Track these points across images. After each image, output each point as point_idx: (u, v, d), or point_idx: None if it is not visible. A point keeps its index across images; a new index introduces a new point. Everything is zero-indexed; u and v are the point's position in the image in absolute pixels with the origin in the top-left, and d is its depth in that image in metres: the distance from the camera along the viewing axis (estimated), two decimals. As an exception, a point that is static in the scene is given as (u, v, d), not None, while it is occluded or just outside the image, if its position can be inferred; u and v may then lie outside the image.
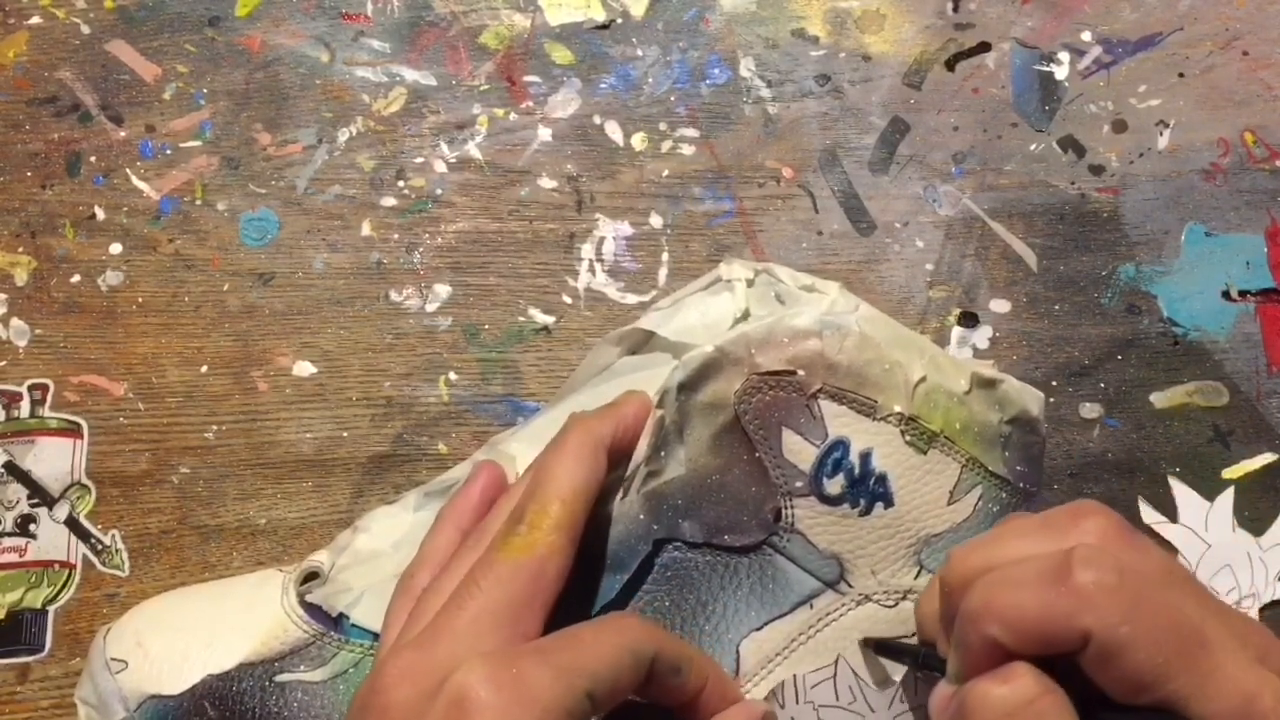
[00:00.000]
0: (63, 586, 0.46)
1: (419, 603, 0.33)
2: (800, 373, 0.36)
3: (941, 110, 0.52)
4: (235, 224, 0.50)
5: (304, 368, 0.49)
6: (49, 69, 0.51)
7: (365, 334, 0.49)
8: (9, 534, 0.47)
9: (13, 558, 0.46)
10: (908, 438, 0.36)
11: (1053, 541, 0.31)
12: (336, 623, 0.39)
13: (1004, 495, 0.38)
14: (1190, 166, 0.52)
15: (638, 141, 0.52)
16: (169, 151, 0.51)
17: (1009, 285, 0.50)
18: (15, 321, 0.49)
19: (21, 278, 0.49)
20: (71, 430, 0.48)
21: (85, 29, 0.52)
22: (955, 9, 0.53)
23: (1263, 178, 0.52)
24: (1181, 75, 0.53)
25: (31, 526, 0.47)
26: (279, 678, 0.38)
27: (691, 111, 0.52)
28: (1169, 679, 0.28)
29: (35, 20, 0.52)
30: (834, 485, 0.36)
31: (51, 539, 0.47)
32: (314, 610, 0.39)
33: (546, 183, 0.51)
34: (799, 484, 0.36)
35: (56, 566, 0.47)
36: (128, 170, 0.50)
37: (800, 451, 0.36)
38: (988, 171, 0.52)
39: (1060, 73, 0.53)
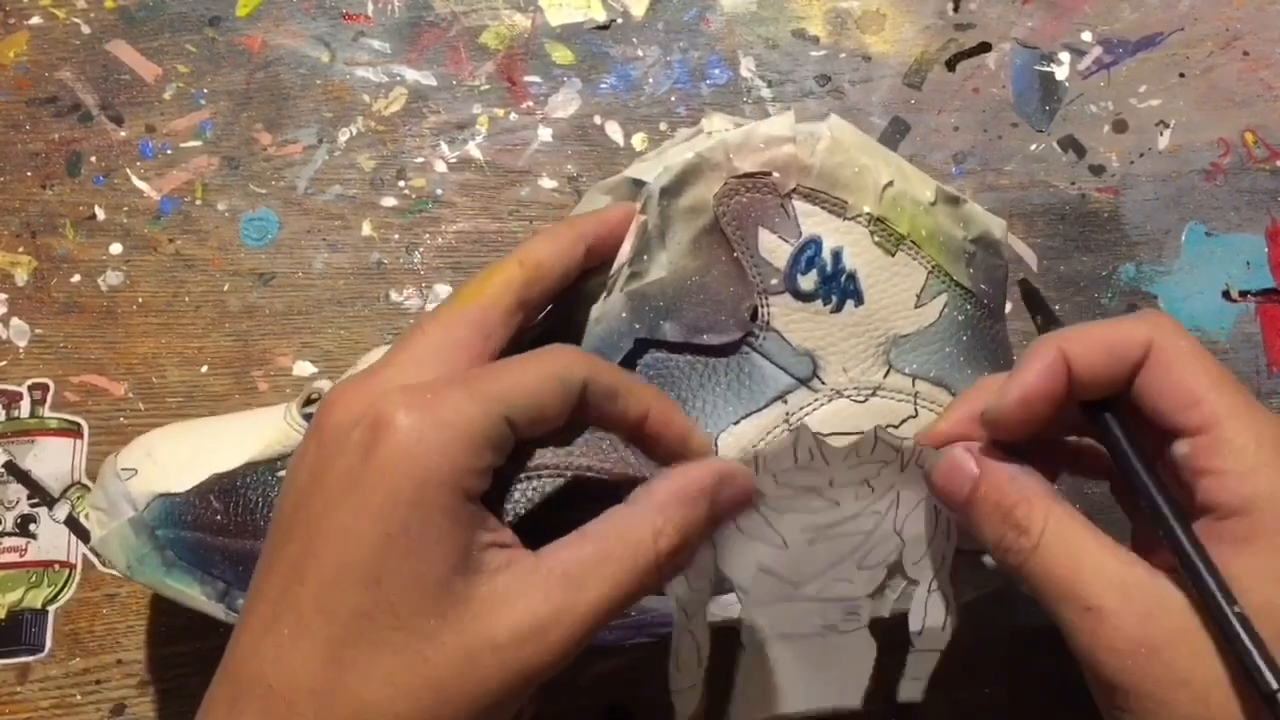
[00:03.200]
0: (63, 586, 0.46)
1: None
2: (775, 174, 0.37)
3: (942, 110, 0.52)
4: (235, 224, 0.50)
5: (304, 368, 0.49)
6: (49, 69, 0.51)
7: (365, 334, 0.49)
8: (9, 534, 0.47)
9: (13, 558, 0.46)
10: (876, 238, 0.38)
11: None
12: None
13: (969, 307, 0.39)
14: (1190, 166, 0.52)
15: (638, 142, 0.52)
16: (169, 151, 0.51)
17: (1009, 285, 0.50)
18: (15, 321, 0.49)
19: (21, 278, 0.49)
20: (71, 430, 0.48)
21: (85, 29, 0.52)
22: (955, 9, 0.53)
23: (1263, 178, 0.52)
24: (1181, 75, 0.53)
25: (31, 526, 0.47)
26: (280, 473, 0.39)
27: (692, 112, 0.52)
28: (1214, 398, 0.30)
29: (35, 20, 0.52)
30: (807, 281, 0.37)
31: (51, 539, 0.47)
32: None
33: (547, 183, 0.51)
34: (774, 281, 0.37)
35: (56, 566, 0.46)
36: (128, 170, 0.50)
37: (775, 250, 0.37)
38: (988, 171, 0.52)
39: (1060, 73, 0.53)
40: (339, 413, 0.30)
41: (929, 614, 0.38)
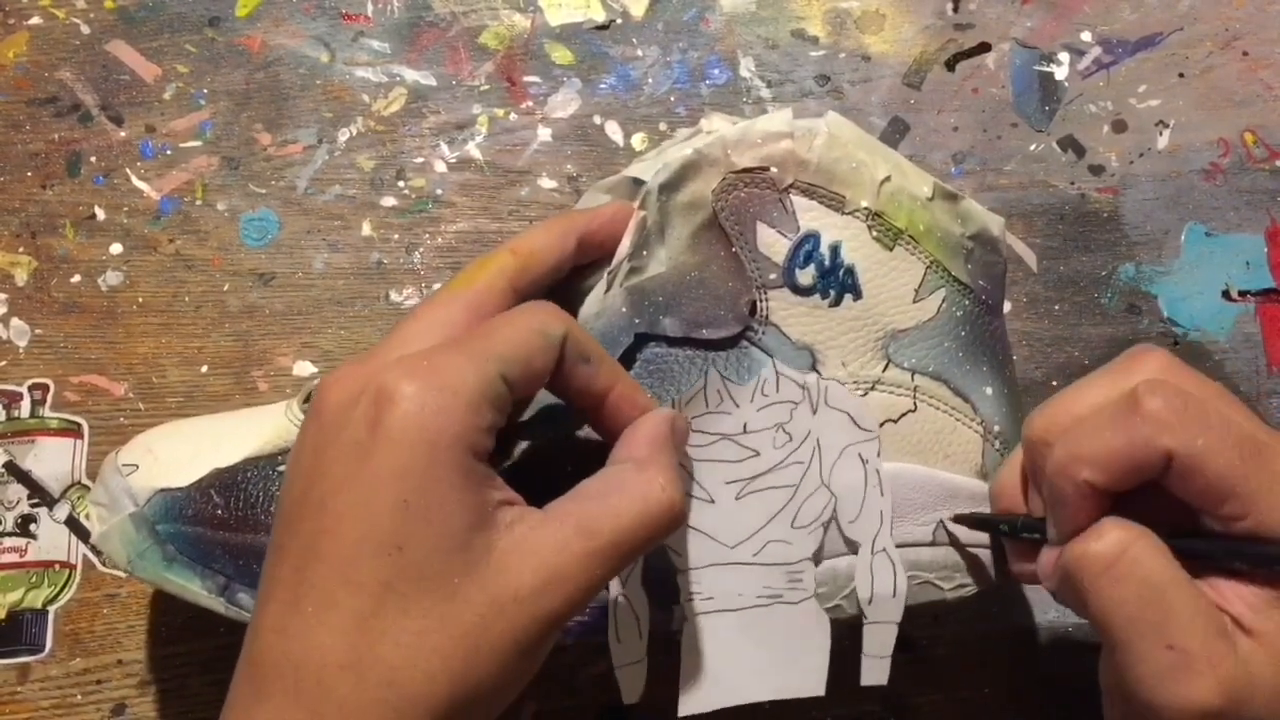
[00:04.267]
0: (63, 586, 0.46)
1: None
2: (773, 170, 0.38)
3: (941, 110, 0.52)
4: (235, 224, 0.50)
5: (304, 368, 0.49)
6: (49, 69, 0.51)
7: (365, 334, 0.49)
8: (9, 534, 0.47)
9: (13, 558, 0.46)
10: (874, 233, 0.38)
11: (1117, 386, 0.34)
12: None
13: (967, 302, 0.39)
14: (1190, 166, 0.52)
15: (638, 142, 0.52)
16: (169, 151, 0.51)
17: (1009, 285, 0.50)
18: (15, 321, 0.49)
19: (21, 278, 0.49)
20: (71, 430, 0.48)
21: (85, 29, 0.52)
22: (955, 9, 0.53)
23: (1263, 178, 0.52)
24: (1181, 75, 0.53)
25: (32, 526, 0.47)
26: (281, 468, 0.39)
27: (692, 112, 0.52)
28: (1245, 479, 0.31)
29: (35, 20, 0.52)
30: (805, 276, 0.38)
31: (52, 539, 0.47)
32: None
33: (546, 183, 0.51)
34: (772, 276, 0.38)
35: (57, 566, 0.47)
36: (128, 170, 0.50)
37: (774, 244, 0.38)
38: (988, 172, 0.52)
39: (1060, 73, 0.53)
40: (337, 392, 0.31)
41: (876, 580, 0.38)
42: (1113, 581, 0.31)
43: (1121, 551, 0.32)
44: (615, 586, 0.36)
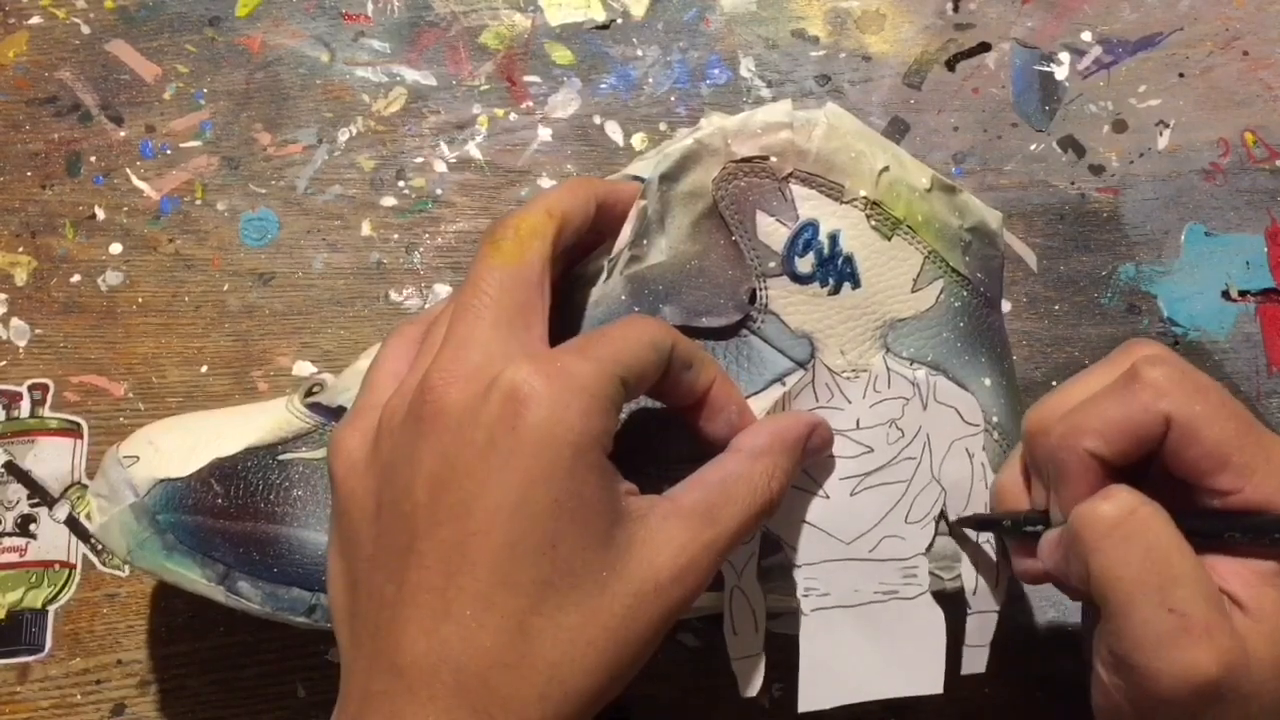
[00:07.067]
0: (63, 586, 0.46)
1: (431, 331, 0.34)
2: (773, 159, 0.38)
3: (941, 110, 0.52)
4: (235, 224, 0.50)
5: (304, 368, 0.49)
6: (49, 69, 0.51)
7: (365, 334, 0.49)
8: (9, 534, 0.47)
9: (13, 558, 0.46)
10: (873, 222, 0.38)
11: (1113, 375, 0.34)
12: (336, 415, 0.41)
13: (965, 293, 0.39)
14: (1190, 166, 0.52)
15: (638, 142, 0.52)
16: (169, 151, 0.51)
17: (1009, 285, 0.50)
18: (15, 321, 0.49)
19: (21, 278, 0.49)
20: (71, 430, 0.48)
21: (85, 29, 0.52)
22: (955, 9, 0.53)
23: (1263, 178, 0.52)
24: (1181, 75, 0.53)
25: (31, 526, 0.47)
26: (281, 457, 0.40)
27: (692, 112, 0.52)
28: (1242, 450, 0.32)
29: (35, 20, 0.52)
30: (804, 264, 0.38)
31: (51, 539, 0.47)
32: (316, 408, 0.41)
33: (547, 183, 0.51)
34: (772, 264, 0.38)
35: (56, 566, 0.47)
36: (128, 170, 0.50)
37: (773, 233, 0.38)
38: (988, 172, 0.52)
39: (1060, 73, 0.53)
40: (457, 391, 0.31)
41: (980, 570, 0.38)
42: (1119, 542, 0.32)
43: (1130, 512, 0.32)
44: (731, 579, 0.37)
